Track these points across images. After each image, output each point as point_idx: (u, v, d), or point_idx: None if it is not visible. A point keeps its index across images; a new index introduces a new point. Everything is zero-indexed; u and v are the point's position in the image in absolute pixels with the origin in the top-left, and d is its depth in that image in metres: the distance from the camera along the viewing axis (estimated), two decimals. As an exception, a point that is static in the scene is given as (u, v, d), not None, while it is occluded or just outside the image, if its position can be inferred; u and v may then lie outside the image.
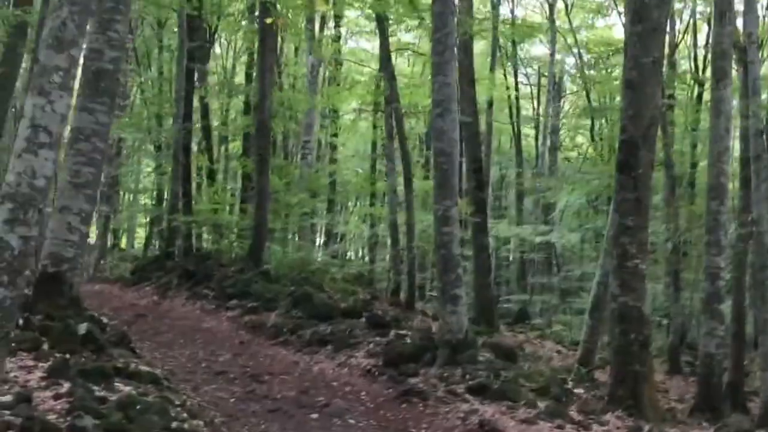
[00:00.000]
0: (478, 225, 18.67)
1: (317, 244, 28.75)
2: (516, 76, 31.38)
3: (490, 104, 26.19)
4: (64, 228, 8.19)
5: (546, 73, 31.19)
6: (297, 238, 22.98)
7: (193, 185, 20.04)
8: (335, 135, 30.17)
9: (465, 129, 19.13)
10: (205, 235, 19.73)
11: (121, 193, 34.13)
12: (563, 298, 25.53)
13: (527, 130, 34.41)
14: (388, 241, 22.18)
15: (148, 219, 31.17)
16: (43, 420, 5.31)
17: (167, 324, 12.26)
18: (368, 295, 17.51)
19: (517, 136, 31.46)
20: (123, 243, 37.14)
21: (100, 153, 8.49)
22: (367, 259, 30.38)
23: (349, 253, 34.42)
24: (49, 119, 4.39)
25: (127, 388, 6.61)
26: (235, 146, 27.70)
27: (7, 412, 5.38)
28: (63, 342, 7.25)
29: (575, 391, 9.44)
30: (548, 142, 29.91)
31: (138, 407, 5.88)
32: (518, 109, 31.55)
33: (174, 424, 5.96)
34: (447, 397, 8.45)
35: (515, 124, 31.15)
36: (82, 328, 7.57)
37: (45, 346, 7.22)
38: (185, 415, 6.60)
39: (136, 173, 34.20)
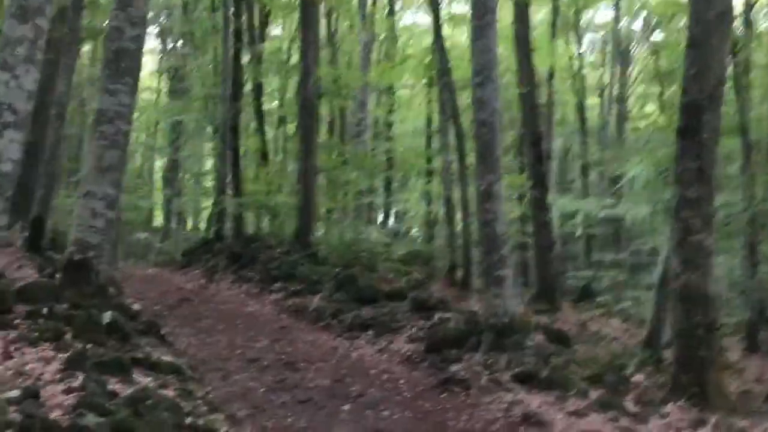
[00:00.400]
0: (538, 200, 18.00)
1: (376, 223, 28.27)
2: (579, 44, 30.19)
3: (551, 75, 25.26)
4: (88, 214, 7.88)
5: (611, 41, 29.95)
6: (353, 218, 22.58)
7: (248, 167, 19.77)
8: (390, 111, 29.59)
9: (523, 101, 18.43)
10: (254, 218, 19.43)
11: (185, 176, 34.30)
12: (632, 273, 24.55)
13: (592, 101, 33.19)
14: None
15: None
16: (43, 418, 4.96)
17: (210, 308, 11.98)
18: (423, 274, 17.07)
19: (581, 107, 30.32)
20: (189, 226, 37.41)
21: (124, 135, 8.14)
22: (423, 238, 29.80)
23: (413, 231, 33.91)
24: (14, 96, 4.00)
25: (146, 380, 6.26)
26: (292, 127, 27.40)
27: (13, 408, 5.08)
28: (86, 332, 6.92)
29: (634, 377, 8.73)
30: (614, 112, 28.77)
31: (149, 402, 5.49)
32: (582, 79, 30.37)
33: (188, 420, 5.58)
34: (490, 386, 7.89)
35: (579, 94, 30.01)
36: (107, 316, 7.25)
37: (68, 336, 6.91)
38: (205, 408, 6.23)
39: (198, 156, 34.25)
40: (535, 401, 7.42)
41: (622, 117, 29.40)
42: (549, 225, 18.56)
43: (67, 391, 5.57)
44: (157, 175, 38.46)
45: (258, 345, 9.58)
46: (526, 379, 7.88)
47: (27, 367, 6.02)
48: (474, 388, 7.87)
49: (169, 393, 6.11)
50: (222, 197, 17.08)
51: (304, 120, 15.50)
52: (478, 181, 9.27)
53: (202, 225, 36.93)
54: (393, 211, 32.34)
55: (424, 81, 24.83)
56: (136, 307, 8.69)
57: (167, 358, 6.91)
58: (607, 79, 30.80)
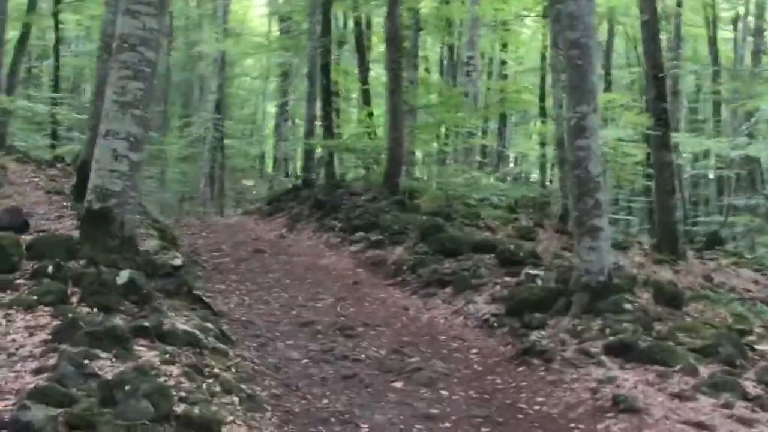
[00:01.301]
0: (660, 139, 16.05)
1: (489, 166, 26.72)
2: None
3: (679, 4, 22.90)
4: (108, 156, 6.98)
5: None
6: (462, 162, 21.21)
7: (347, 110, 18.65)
8: (505, 48, 27.78)
9: (643, 30, 16.42)
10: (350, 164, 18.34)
11: (292, 121, 33.70)
12: (768, 219, 22.19)
13: (725, 34, 30.10)
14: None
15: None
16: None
17: (282, 261, 11.06)
18: (531, 221, 15.69)
19: (713, 41, 27.47)
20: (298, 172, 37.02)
21: (150, 64, 7.14)
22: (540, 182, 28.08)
23: (533, 176, 32.16)
24: None
25: (149, 354, 5.32)
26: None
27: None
28: (95, 293, 6.06)
29: (760, 347, 7.17)
30: (749, 46, 25.94)
31: (128, 388, 4.49)
32: (714, 9, 27.44)
33: (180, 408, 4.58)
34: (577, 357, 6.53)
35: (711, 26, 27.17)
36: (123, 276, 6.35)
37: (74, 300, 6.07)
38: (218, 389, 5.24)
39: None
40: (629, 379, 6.04)
41: (759, 51, 26.39)
42: (671, 166, 16.60)
43: (37, 372, 4.69)
44: (270, 122, 38.18)
45: (319, 304, 8.56)
46: (622, 351, 6.47)
47: (8, 339, 5.19)
48: (557, 361, 6.55)
49: (173, 370, 5.14)
50: (309, 140, 16.03)
51: (392, 54, 14.18)
52: (567, 113, 7.78)
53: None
54: (511, 155, 30.80)
55: (534, 13, 22.87)
56: (176, 262, 7.81)
57: (184, 326, 5.93)
58: (741, 9, 27.73)
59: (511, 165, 30.03)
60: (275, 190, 20.06)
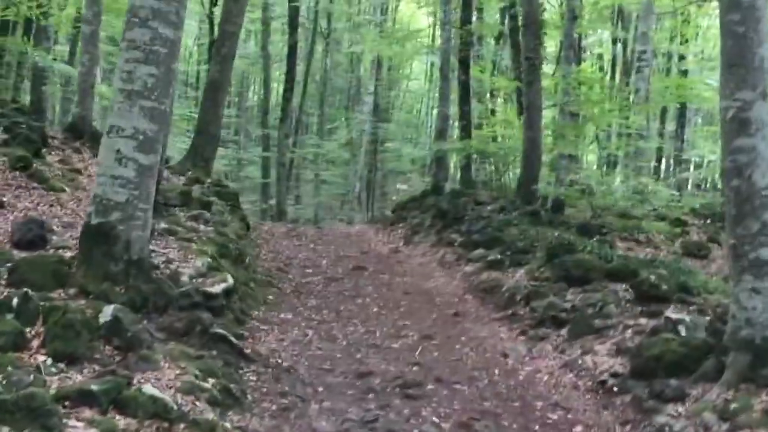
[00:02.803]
0: None
1: (659, 172, 23.77)
2: None
3: None
4: (112, 158, 5.62)
5: None
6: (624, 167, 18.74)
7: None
8: (686, 42, 24.70)
9: None
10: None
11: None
12: None
13: None
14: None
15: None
16: None
17: (381, 282, 9.44)
18: (705, 235, 13.29)
19: None
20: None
21: (166, 44, 5.72)
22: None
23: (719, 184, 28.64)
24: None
25: (86, 432, 3.86)
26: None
27: None
28: (59, 338, 4.68)
29: None
30: None
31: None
32: None
33: None
34: (725, 458, 4.45)
35: None
36: (107, 313, 4.97)
37: (35, 343, 4.74)
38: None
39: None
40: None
41: None
42: None
43: None
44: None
45: (396, 344, 6.84)
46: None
47: None
48: (694, 460, 4.48)
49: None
50: (439, 142, 14.28)
51: (527, 41, 12.20)
52: (722, 101, 5.59)
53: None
54: (691, 159, 27.73)
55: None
56: (215, 289, 6.35)
57: (152, 390, 4.38)
58: None
59: (691, 170, 26.79)
60: (402, 197, 18.45)
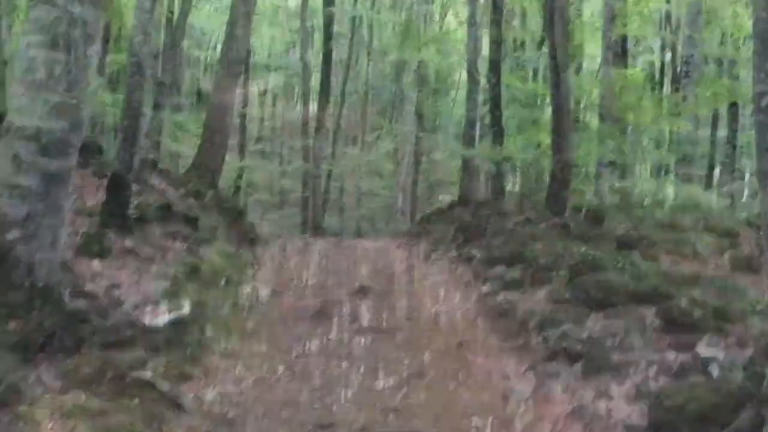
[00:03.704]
0: None
1: (710, 181, 22.25)
2: None
3: None
4: (9, 165, 4.77)
5: None
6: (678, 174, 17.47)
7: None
8: (736, 49, 23.22)
9: None
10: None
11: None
12: None
13: None
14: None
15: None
16: None
17: (383, 307, 8.40)
18: (758, 249, 12.03)
19: None
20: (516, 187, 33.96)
21: (80, 24, 4.83)
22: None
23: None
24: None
25: None
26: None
27: None
28: None
29: None
30: None
31: None
32: None
33: None
34: None
35: None
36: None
37: None
38: None
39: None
40: None
41: None
42: None
43: None
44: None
45: (379, 385, 5.83)
46: None
47: None
48: None
49: None
50: (469, 149, 13.23)
51: (557, 36, 11.09)
52: (756, 86, 4.48)
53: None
54: (747, 166, 26.21)
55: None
56: (158, 321, 5.46)
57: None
58: None
59: (746, 179, 25.17)
60: (429, 210, 17.45)
